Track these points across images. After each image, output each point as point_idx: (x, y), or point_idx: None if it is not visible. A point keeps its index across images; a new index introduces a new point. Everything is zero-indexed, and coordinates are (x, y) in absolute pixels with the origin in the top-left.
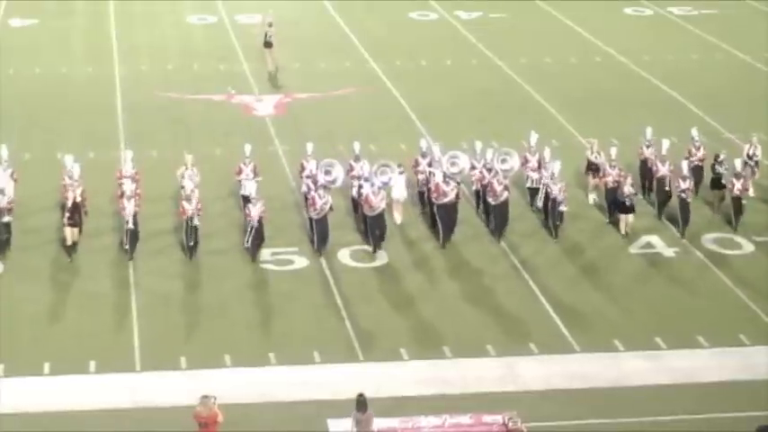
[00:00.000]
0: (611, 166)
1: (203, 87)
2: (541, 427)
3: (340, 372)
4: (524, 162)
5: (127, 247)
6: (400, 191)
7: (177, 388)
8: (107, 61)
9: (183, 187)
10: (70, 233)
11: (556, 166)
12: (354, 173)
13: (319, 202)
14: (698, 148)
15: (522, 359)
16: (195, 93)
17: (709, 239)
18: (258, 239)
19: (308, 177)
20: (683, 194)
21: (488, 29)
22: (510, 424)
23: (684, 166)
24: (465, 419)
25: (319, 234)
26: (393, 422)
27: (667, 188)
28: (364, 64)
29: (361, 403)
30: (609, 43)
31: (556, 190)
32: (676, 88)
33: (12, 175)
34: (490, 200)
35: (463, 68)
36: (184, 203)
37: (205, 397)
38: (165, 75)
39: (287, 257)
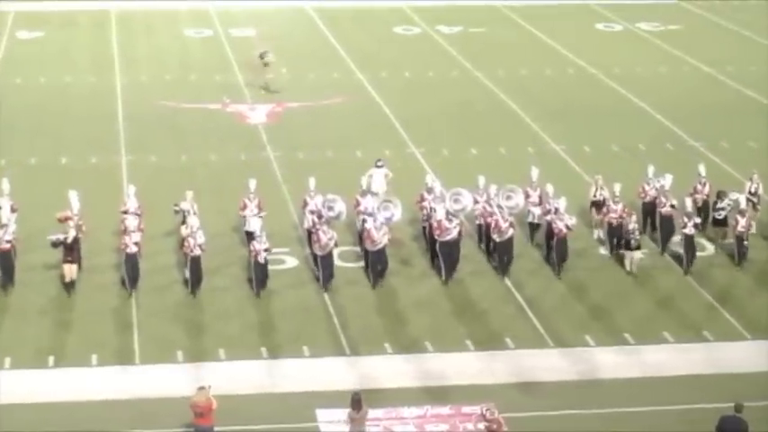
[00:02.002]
0: (614, 202)
1: (199, 96)
2: (517, 417)
3: (328, 365)
4: (525, 197)
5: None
6: (379, 184)
7: (174, 380)
8: (108, 72)
9: (184, 223)
10: (68, 270)
11: (561, 203)
12: (361, 207)
13: (324, 239)
14: (703, 185)
15: (499, 353)
16: (192, 102)
17: (674, 242)
18: (262, 276)
19: (311, 213)
20: (687, 231)
21: (468, 43)
22: (487, 414)
23: (688, 202)
24: (445, 410)
25: (325, 271)
26: (378, 412)
27: (673, 224)
28: (351, 75)
29: (356, 402)
30: (581, 56)
31: (561, 225)
32: (645, 99)
33: (12, 206)
34: (495, 237)
35: (444, 80)
36: (189, 239)
37: (201, 388)
38: (164, 85)
39: (278, 257)
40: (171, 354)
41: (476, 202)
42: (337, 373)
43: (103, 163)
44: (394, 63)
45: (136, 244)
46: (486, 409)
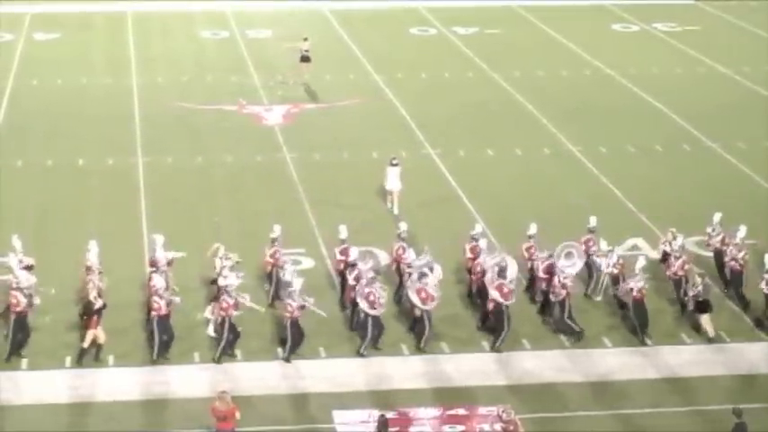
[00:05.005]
0: (675, 257)
1: (216, 98)
2: (533, 419)
3: (344, 366)
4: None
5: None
6: (394, 183)
7: (191, 381)
8: (125, 73)
9: (218, 282)
10: (92, 334)
11: (640, 262)
12: (406, 258)
13: (377, 297)
14: None
15: (516, 354)
16: (208, 103)
17: (691, 242)
18: (300, 337)
19: (350, 266)
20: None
21: (484, 44)
22: (504, 415)
23: None
24: (461, 411)
25: (375, 330)
26: (394, 414)
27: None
28: (367, 76)
29: (383, 423)
30: (597, 57)
31: (635, 287)
32: (661, 100)
33: (28, 265)
34: (552, 297)
35: (460, 81)
36: (227, 299)
37: (223, 392)
38: (180, 86)
39: (295, 258)
40: (188, 354)
41: (530, 242)
42: (354, 374)
43: (120, 164)
44: (410, 64)
45: (168, 305)
46: (503, 411)
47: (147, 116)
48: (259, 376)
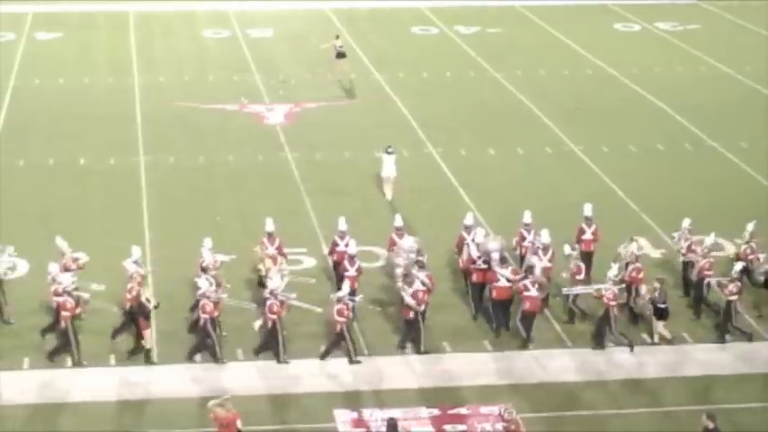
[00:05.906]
0: (630, 263)
1: (217, 97)
2: (535, 418)
3: (345, 365)
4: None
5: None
6: (389, 170)
7: (192, 380)
8: (127, 72)
9: (264, 285)
10: (148, 335)
11: (612, 271)
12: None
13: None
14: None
15: (518, 354)
16: (210, 102)
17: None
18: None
19: (350, 258)
20: (731, 297)
21: (486, 43)
22: (506, 414)
23: (738, 267)
24: (463, 410)
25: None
26: (396, 412)
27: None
28: (369, 75)
29: (392, 426)
30: (599, 56)
31: (608, 295)
32: (662, 99)
33: (68, 266)
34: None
35: (462, 80)
36: (275, 303)
37: (225, 399)
38: (182, 85)
39: (296, 258)
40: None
41: (523, 238)
42: (355, 372)
43: (122, 164)
44: (411, 63)
45: (215, 305)
46: (505, 410)
47: (149, 115)
48: (261, 375)
